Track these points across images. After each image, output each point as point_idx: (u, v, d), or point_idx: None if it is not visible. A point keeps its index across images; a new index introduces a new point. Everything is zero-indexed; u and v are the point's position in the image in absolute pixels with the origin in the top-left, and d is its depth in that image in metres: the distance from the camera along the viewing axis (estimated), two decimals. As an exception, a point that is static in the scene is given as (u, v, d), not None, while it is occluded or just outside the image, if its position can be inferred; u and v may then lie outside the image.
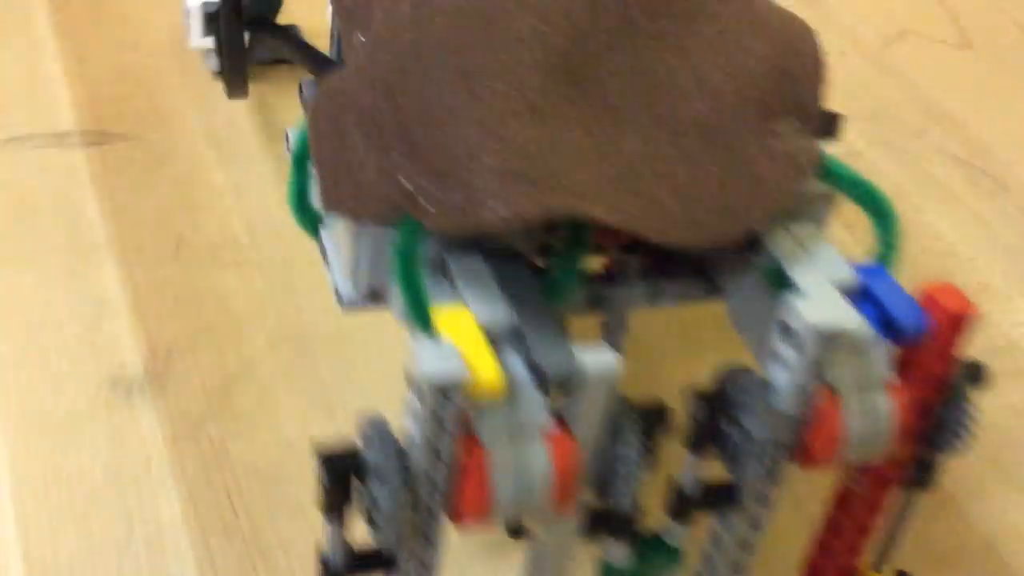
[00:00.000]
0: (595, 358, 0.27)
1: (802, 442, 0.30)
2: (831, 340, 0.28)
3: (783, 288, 0.30)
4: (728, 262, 0.33)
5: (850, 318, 0.28)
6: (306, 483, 0.41)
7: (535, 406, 0.27)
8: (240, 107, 0.57)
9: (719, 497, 0.31)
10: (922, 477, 0.34)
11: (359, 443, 0.27)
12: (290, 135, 0.36)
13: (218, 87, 0.56)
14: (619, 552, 0.31)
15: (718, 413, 0.30)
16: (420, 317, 0.27)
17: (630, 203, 0.28)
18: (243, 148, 0.55)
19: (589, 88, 0.29)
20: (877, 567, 0.36)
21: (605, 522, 0.30)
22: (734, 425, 0.29)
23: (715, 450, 0.30)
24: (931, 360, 0.30)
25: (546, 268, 0.31)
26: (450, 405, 0.26)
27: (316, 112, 0.31)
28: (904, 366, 0.30)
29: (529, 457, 0.27)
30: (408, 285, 0.28)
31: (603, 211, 0.27)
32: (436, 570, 0.29)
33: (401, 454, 0.26)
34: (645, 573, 0.32)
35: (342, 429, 0.43)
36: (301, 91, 0.39)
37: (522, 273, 0.29)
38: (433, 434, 0.26)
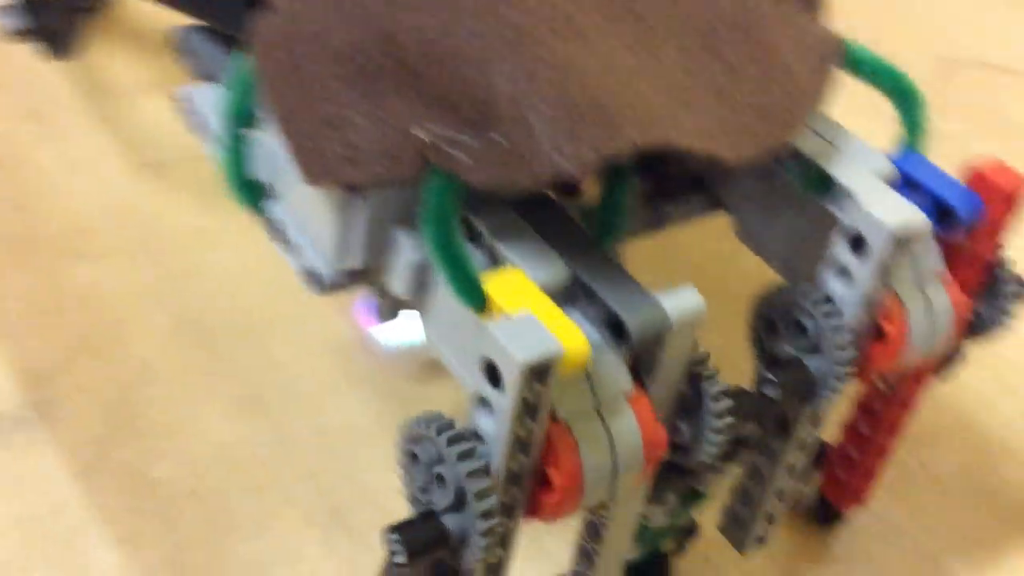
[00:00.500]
0: (679, 302, 0.23)
1: (866, 355, 0.27)
2: (904, 243, 0.25)
3: (822, 191, 0.27)
4: (738, 173, 0.30)
5: (918, 216, 0.26)
6: (256, 492, 0.35)
7: (616, 369, 0.23)
8: (56, 72, 0.48)
9: (776, 426, 0.28)
10: (949, 366, 0.32)
11: (413, 454, 0.22)
12: (194, 97, 0.29)
13: (27, 49, 0.47)
14: (666, 512, 0.28)
15: (782, 339, 0.27)
16: (470, 290, 0.23)
17: (699, 123, 0.24)
18: (69, 120, 0.47)
19: None
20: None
21: (678, 481, 0.27)
22: (805, 351, 0.26)
23: (776, 378, 0.27)
24: (982, 244, 0.28)
25: (578, 206, 0.27)
26: (541, 390, 0.21)
27: (269, 59, 0.25)
28: (953, 254, 0.28)
29: (619, 429, 0.23)
30: (450, 254, 0.23)
31: (691, 139, 0.23)
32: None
33: (471, 443, 0.22)
34: (674, 524, 0.30)
35: (280, 425, 0.37)
36: (181, 42, 0.33)
37: (559, 216, 0.25)
38: (523, 425, 0.21)
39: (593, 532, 0.27)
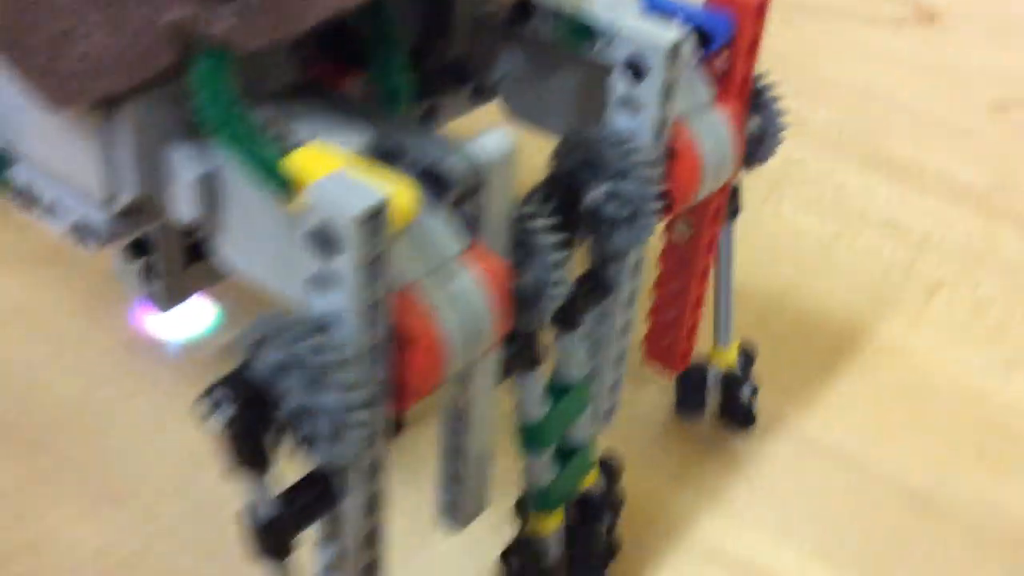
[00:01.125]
0: (490, 143, 0.23)
1: (669, 178, 0.28)
2: (679, 58, 0.27)
3: (586, 39, 0.28)
4: (492, 49, 0.30)
5: (684, 30, 0.27)
6: None
7: (446, 224, 0.23)
8: None
9: (598, 284, 0.29)
10: (734, 204, 0.34)
11: (251, 354, 0.21)
12: None
13: None
14: (534, 402, 0.29)
15: (580, 188, 0.27)
16: (274, 172, 0.22)
17: None
18: None
19: None
20: (722, 343, 0.37)
21: (522, 350, 0.27)
22: (607, 196, 0.27)
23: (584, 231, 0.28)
24: (741, 64, 0.29)
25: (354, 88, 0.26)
26: (379, 244, 0.21)
27: None
28: (715, 78, 0.30)
29: (464, 288, 0.23)
30: (241, 137, 0.22)
31: None
32: (388, 481, 0.24)
33: (322, 335, 0.21)
34: (561, 423, 0.30)
35: (135, 519, 0.34)
36: None
37: (338, 97, 0.25)
38: (366, 291, 0.21)
39: (456, 424, 0.27)
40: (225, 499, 0.26)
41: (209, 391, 0.21)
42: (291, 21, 0.22)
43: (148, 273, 0.33)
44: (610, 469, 0.33)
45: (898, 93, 0.56)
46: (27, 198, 0.26)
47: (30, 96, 0.23)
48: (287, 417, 0.21)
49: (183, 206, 0.24)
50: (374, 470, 0.24)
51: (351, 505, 0.24)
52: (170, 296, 0.33)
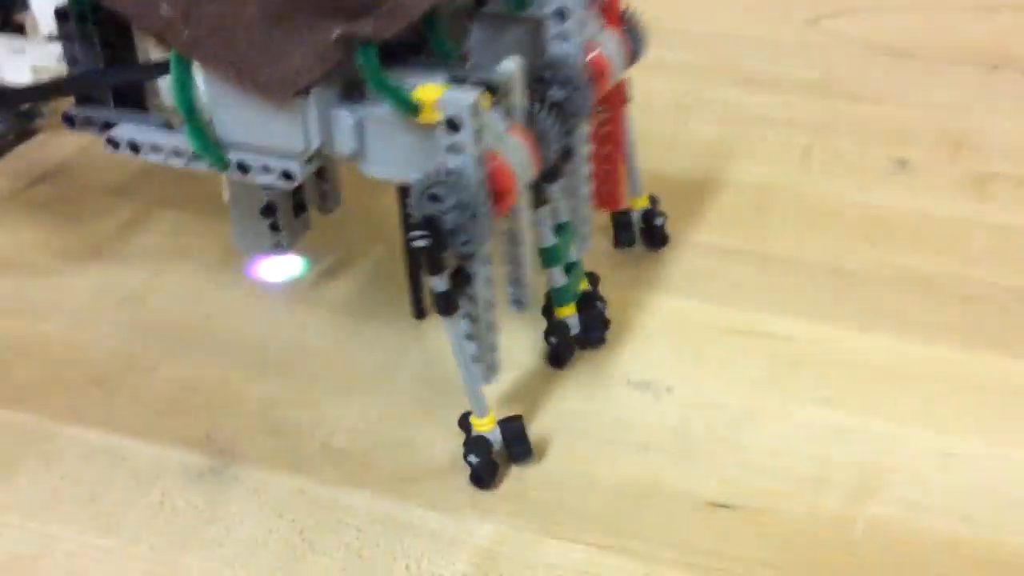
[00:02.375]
0: (511, 65, 0.42)
1: (595, 79, 0.47)
2: (585, 4, 0.46)
3: (522, 6, 0.47)
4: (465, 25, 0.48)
5: None
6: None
7: (497, 113, 0.42)
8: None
9: (566, 150, 0.47)
10: (627, 94, 0.53)
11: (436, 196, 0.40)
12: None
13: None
14: (548, 233, 0.48)
15: (547, 91, 0.46)
16: (409, 102, 0.40)
17: None
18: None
19: None
20: (635, 193, 0.56)
21: (538, 194, 0.46)
22: (563, 91, 0.45)
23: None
24: (612, 2, 0.48)
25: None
26: (478, 122, 0.39)
27: (204, 44, 0.41)
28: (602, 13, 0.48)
29: (515, 146, 0.42)
30: (389, 87, 0.41)
31: None
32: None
33: (469, 181, 0.40)
34: (564, 246, 0.49)
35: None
36: (73, 121, 0.48)
37: (414, 58, 0.44)
38: (477, 149, 0.40)
39: (512, 239, 0.46)
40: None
41: (414, 228, 0.40)
42: (404, 17, 0.41)
43: (275, 226, 0.52)
44: (593, 278, 0.52)
45: (734, 26, 0.76)
46: (243, 167, 0.44)
47: (240, 94, 0.42)
48: (450, 229, 0.40)
49: (344, 145, 0.43)
50: (487, 260, 0.43)
51: (479, 280, 0.43)
52: (288, 242, 0.52)
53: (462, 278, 0.43)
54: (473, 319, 0.44)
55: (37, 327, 0.52)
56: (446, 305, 0.43)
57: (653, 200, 0.57)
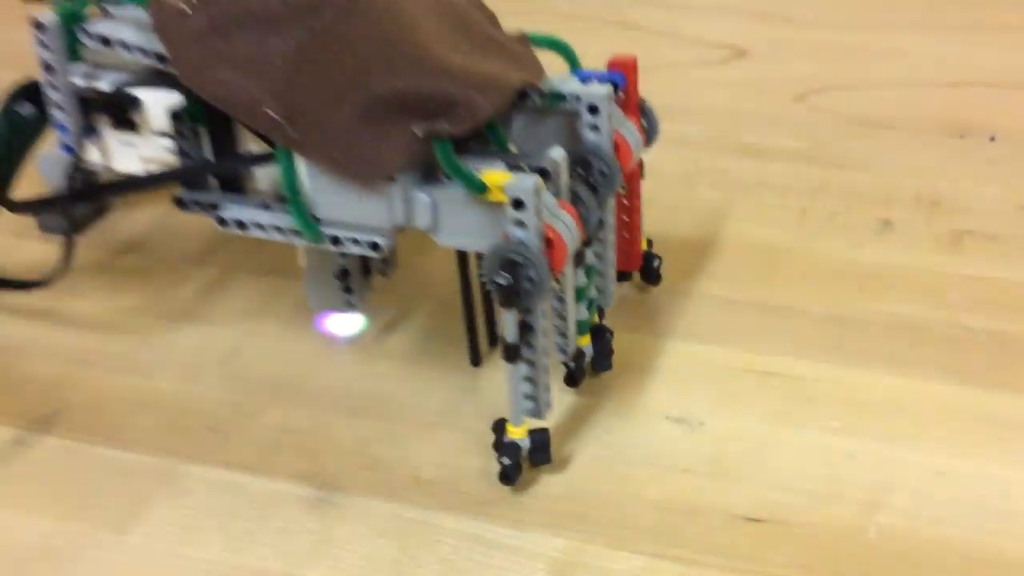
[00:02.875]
0: (557, 153, 0.51)
1: (621, 161, 0.55)
2: (611, 99, 0.54)
3: (560, 102, 0.54)
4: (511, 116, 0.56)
5: (608, 85, 0.54)
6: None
7: (546, 194, 0.50)
8: None
9: (600, 225, 0.56)
10: (642, 171, 0.61)
11: (512, 261, 0.48)
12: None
13: None
14: (580, 278, 0.55)
15: (586, 172, 0.54)
16: (480, 185, 0.49)
17: (513, 76, 0.53)
18: None
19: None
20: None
21: (577, 255, 0.54)
22: (598, 174, 0.54)
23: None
24: (631, 94, 0.57)
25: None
26: (538, 201, 0.48)
27: (309, 143, 0.50)
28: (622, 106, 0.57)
29: (565, 220, 0.50)
30: (464, 174, 0.49)
31: (518, 81, 0.53)
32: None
33: (533, 249, 0.48)
34: (587, 288, 0.56)
35: None
36: (185, 204, 0.57)
37: (482, 144, 0.53)
38: (537, 224, 0.48)
39: (559, 296, 0.54)
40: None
41: (492, 275, 0.48)
42: (474, 119, 0.50)
43: (348, 288, 0.60)
44: (601, 312, 0.60)
45: (732, 102, 0.85)
46: (335, 241, 0.53)
47: (336, 180, 0.50)
48: (518, 290, 0.48)
49: (422, 220, 0.51)
50: (544, 314, 0.51)
51: (538, 332, 0.51)
52: (358, 301, 0.61)
53: (525, 330, 0.51)
54: (532, 364, 0.52)
55: (151, 382, 0.60)
56: (513, 354, 0.51)
57: (650, 243, 0.65)
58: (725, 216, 0.73)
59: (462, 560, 0.50)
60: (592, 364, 0.59)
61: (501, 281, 0.48)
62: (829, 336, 0.62)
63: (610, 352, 0.59)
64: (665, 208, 0.72)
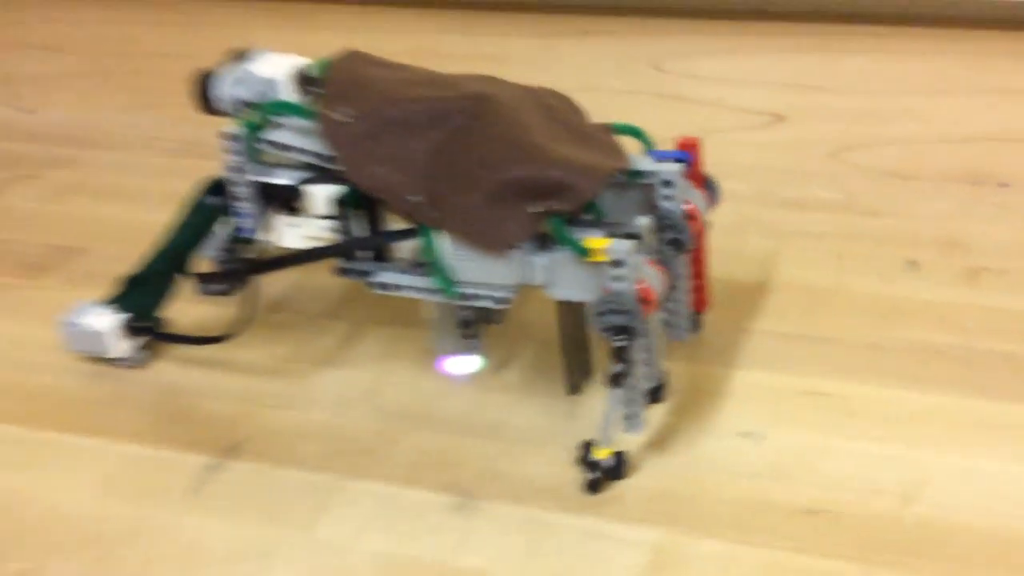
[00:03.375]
0: (643, 220, 0.64)
1: (692, 224, 0.68)
2: (680, 174, 0.67)
3: (640, 178, 0.67)
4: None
5: (676, 162, 0.67)
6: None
7: (638, 254, 0.63)
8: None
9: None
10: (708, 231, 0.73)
11: (617, 310, 0.61)
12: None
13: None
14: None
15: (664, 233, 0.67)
16: (582, 248, 0.61)
17: (602, 162, 0.66)
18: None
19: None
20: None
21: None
22: (673, 235, 0.67)
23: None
24: (697, 168, 0.70)
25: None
26: (632, 261, 0.61)
27: (460, 226, 0.64)
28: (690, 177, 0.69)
29: (655, 275, 0.63)
30: (573, 241, 0.62)
31: (609, 167, 0.65)
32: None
33: (630, 299, 0.61)
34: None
35: None
36: (345, 272, 0.70)
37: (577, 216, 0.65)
38: (632, 279, 0.61)
39: (646, 339, 0.68)
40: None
41: (602, 321, 0.61)
42: (581, 200, 0.63)
43: (470, 335, 0.73)
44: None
45: (774, 161, 0.98)
46: (467, 297, 0.66)
47: (470, 250, 0.63)
48: (625, 326, 0.61)
49: (539, 278, 0.64)
50: (640, 349, 0.64)
51: (636, 358, 0.64)
52: (478, 346, 0.74)
53: (626, 362, 0.64)
54: (632, 389, 0.65)
55: (309, 415, 0.73)
56: (619, 381, 0.64)
57: None
58: (773, 261, 0.86)
59: (578, 548, 0.62)
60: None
61: (610, 324, 0.61)
62: (866, 360, 0.75)
63: (665, 385, 0.72)
64: (720, 255, 0.84)
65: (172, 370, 0.78)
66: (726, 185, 0.89)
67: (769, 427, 0.69)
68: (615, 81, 0.99)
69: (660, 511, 0.64)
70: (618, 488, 0.66)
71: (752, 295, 0.81)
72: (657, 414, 0.71)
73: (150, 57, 1.09)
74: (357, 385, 0.75)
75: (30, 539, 0.65)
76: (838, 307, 0.80)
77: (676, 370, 0.73)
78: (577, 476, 0.67)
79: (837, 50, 0.95)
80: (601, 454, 0.65)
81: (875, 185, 0.94)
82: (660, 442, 0.69)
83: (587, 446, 0.65)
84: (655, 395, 0.71)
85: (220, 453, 0.70)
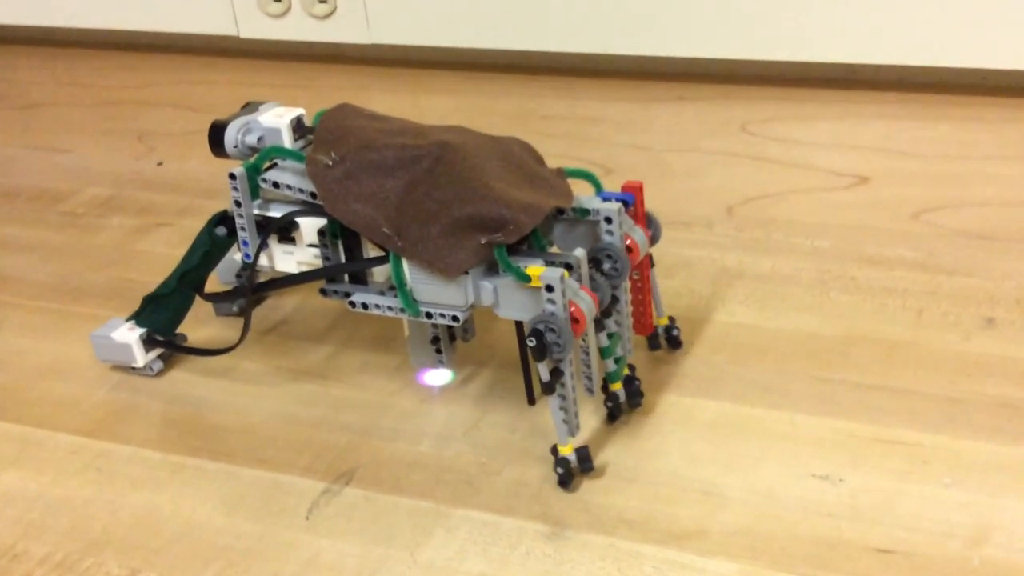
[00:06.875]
0: (579, 252, 0.70)
1: (631, 257, 0.75)
2: (622, 213, 0.74)
3: (586, 215, 0.75)
4: (553, 224, 0.77)
5: (618, 202, 0.74)
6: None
7: (572, 279, 0.69)
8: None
9: (615, 298, 0.75)
10: (652, 262, 0.80)
11: (543, 329, 0.68)
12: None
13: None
14: (603, 339, 0.75)
15: (601, 263, 0.74)
16: (525, 276, 0.69)
17: (544, 200, 0.74)
18: None
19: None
20: (659, 316, 0.84)
21: (598, 321, 0.74)
22: (611, 265, 0.74)
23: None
24: (639, 208, 0.76)
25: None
26: (564, 287, 0.68)
27: (407, 250, 0.71)
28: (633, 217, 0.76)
29: (585, 300, 0.69)
30: (515, 268, 0.69)
31: (551, 205, 0.73)
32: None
33: (560, 319, 0.68)
34: (613, 346, 0.75)
35: None
36: (327, 293, 0.78)
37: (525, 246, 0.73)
38: (564, 301, 0.68)
39: (584, 352, 0.74)
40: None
41: (529, 337, 0.68)
42: (521, 232, 0.71)
43: (439, 350, 0.81)
44: (631, 367, 0.78)
45: (857, 221, 1.03)
46: (429, 315, 0.73)
47: (430, 275, 0.71)
48: (551, 342, 0.68)
49: (487, 300, 0.72)
50: (571, 363, 0.70)
51: (566, 374, 0.70)
52: (447, 360, 0.81)
53: (557, 373, 0.70)
54: (564, 398, 0.71)
55: (417, 447, 0.80)
56: (549, 388, 0.71)
57: (671, 319, 0.84)
58: (854, 316, 0.90)
59: (657, 568, 0.67)
60: (628, 403, 0.79)
61: (534, 342, 0.69)
62: (941, 412, 0.79)
63: (640, 394, 0.79)
64: (805, 308, 0.90)
65: (293, 404, 0.85)
66: (810, 242, 0.95)
67: (847, 471, 0.74)
68: (708, 142, 1.05)
69: (739, 547, 0.69)
70: (701, 522, 0.70)
71: (833, 348, 0.86)
72: (743, 455, 0.76)
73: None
74: (461, 421, 0.82)
75: (166, 551, 0.72)
76: (916, 360, 0.84)
77: (757, 415, 0.78)
78: (664, 512, 0.72)
79: (920, 117, 0.99)
80: (565, 450, 0.73)
81: (955, 245, 0.98)
82: (743, 481, 0.74)
83: (555, 447, 0.73)
84: (611, 414, 0.78)
85: (335, 479, 0.77)
